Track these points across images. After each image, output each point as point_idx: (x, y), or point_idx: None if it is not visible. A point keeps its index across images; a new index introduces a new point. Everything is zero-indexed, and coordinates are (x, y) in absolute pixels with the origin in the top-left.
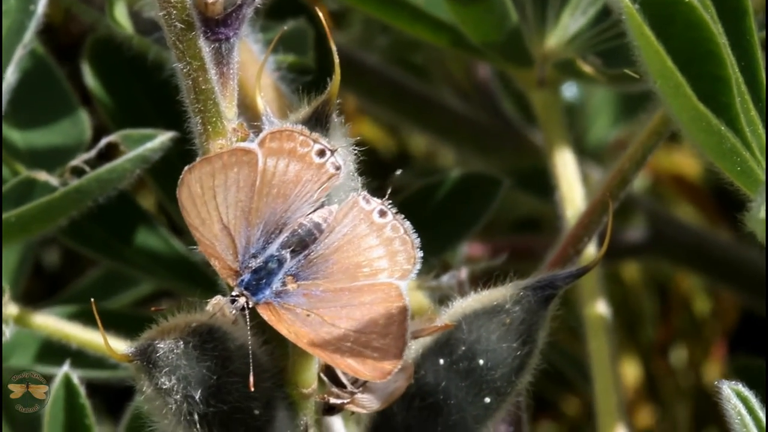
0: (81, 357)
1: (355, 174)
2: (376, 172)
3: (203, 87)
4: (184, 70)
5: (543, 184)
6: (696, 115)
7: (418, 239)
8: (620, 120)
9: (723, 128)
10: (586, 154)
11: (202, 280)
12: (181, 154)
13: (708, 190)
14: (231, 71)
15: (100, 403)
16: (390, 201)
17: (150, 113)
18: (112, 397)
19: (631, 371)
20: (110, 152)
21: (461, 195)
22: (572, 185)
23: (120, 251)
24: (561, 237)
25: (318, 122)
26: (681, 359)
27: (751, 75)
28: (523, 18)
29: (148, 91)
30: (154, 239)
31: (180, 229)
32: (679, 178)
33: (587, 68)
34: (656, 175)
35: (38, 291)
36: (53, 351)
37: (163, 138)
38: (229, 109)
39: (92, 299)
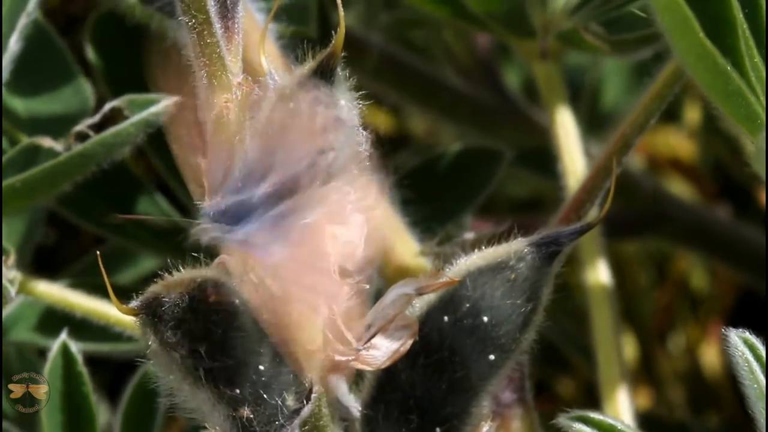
0: (82, 331)
1: (360, 128)
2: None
3: (208, 41)
4: (189, 24)
5: (544, 162)
6: (702, 53)
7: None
8: (633, 87)
9: (729, 68)
10: (597, 125)
11: (206, 255)
12: None
13: (705, 171)
14: (236, 26)
15: (99, 389)
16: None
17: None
18: (111, 386)
19: (627, 352)
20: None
21: (464, 168)
22: (574, 156)
23: (122, 226)
24: (564, 203)
25: (323, 76)
26: (678, 341)
27: (755, 21)
28: None
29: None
30: (157, 214)
31: (183, 204)
32: (676, 159)
33: (589, 37)
34: (652, 157)
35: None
36: (54, 325)
37: (167, 102)
38: (234, 64)
39: (100, 262)
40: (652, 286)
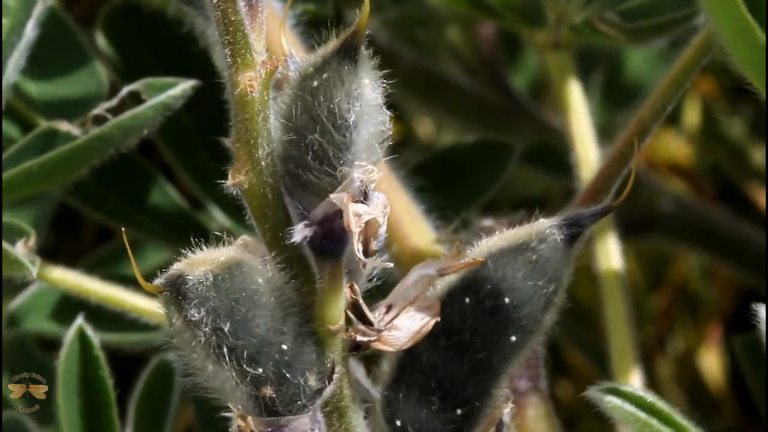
0: (94, 321)
1: (383, 107)
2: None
3: (232, 18)
4: (214, 1)
5: (551, 159)
6: (742, 28)
7: None
8: (652, 72)
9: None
10: (619, 104)
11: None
12: (194, 120)
13: (703, 175)
14: (260, 3)
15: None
16: None
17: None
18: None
19: None
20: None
21: (476, 160)
22: (588, 147)
23: (133, 217)
24: (579, 191)
25: (347, 54)
26: (677, 345)
27: None
28: None
29: (161, 55)
30: (168, 206)
31: (191, 195)
32: (674, 164)
33: (604, 27)
34: (651, 161)
35: None
36: (67, 315)
37: (185, 86)
38: (257, 42)
39: (126, 242)
40: (651, 291)
